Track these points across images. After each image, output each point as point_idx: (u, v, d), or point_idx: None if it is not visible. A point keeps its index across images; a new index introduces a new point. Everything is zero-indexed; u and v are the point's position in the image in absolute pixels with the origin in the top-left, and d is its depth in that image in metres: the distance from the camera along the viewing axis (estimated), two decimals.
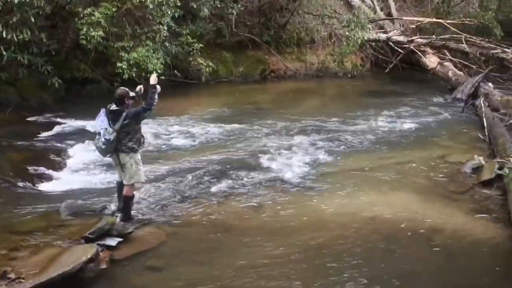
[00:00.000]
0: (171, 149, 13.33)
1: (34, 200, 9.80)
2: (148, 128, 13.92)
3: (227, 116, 16.94)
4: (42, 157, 12.07)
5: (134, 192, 9.08)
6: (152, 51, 17.00)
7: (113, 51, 17.06)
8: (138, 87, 8.93)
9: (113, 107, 8.52)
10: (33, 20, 14.85)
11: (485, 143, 13.91)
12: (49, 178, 11.03)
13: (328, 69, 25.32)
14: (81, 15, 15.97)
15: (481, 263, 8.06)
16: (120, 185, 8.98)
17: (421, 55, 24.19)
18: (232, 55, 23.43)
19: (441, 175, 11.57)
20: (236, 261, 7.88)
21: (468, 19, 26.36)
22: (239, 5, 22.53)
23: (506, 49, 21.25)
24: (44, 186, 10.67)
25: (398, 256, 8.19)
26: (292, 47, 25.46)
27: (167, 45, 18.44)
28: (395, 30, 26.70)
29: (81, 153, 12.45)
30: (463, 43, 22.39)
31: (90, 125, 13.56)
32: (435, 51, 24.52)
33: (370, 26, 24.95)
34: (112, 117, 8.48)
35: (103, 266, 7.61)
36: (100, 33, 15.76)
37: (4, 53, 14.90)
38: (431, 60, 23.72)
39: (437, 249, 8.45)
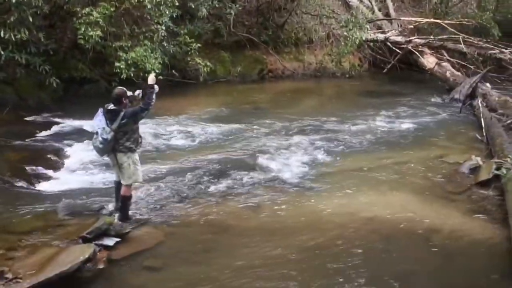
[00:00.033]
0: (169, 149, 13.32)
1: (31, 200, 9.79)
2: (146, 128, 13.91)
3: (225, 116, 16.95)
4: (40, 157, 12.05)
5: (132, 192, 9.08)
6: (150, 51, 16.98)
7: (111, 51, 17.04)
8: (137, 92, 8.91)
9: (111, 106, 8.52)
10: (31, 19, 14.83)
11: (482, 144, 13.93)
12: (47, 178, 11.01)
13: (326, 69, 25.36)
14: (79, 15, 15.93)
15: (478, 264, 8.06)
16: (118, 185, 8.97)
17: (419, 55, 24.23)
18: (230, 55, 23.45)
19: (439, 176, 11.58)
20: (234, 262, 7.88)
21: (466, 19, 26.47)
22: (237, 5, 22.55)
23: (503, 50, 21.31)
24: (41, 186, 10.65)
25: (396, 256, 8.19)
26: (290, 47, 25.50)
27: (165, 45, 18.44)
28: (393, 31, 26.76)
29: (79, 153, 12.44)
30: (461, 44, 22.45)
31: (88, 124, 13.54)
32: (433, 51, 24.55)
33: (368, 26, 25.01)
34: (110, 116, 8.48)
35: (101, 266, 7.61)
36: (98, 32, 15.73)
37: (2, 52, 14.87)
38: (429, 61, 23.76)
39: (435, 249, 8.45)
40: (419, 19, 27.72)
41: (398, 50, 25.20)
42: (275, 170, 11.71)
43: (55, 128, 14.51)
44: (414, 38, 24.98)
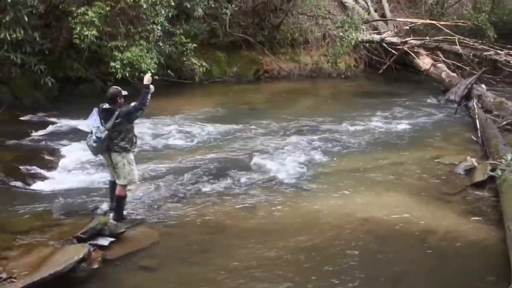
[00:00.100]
0: (165, 149, 13.31)
1: (26, 199, 9.75)
2: (141, 127, 13.90)
3: (221, 116, 16.94)
4: (35, 157, 12.03)
5: (127, 192, 9.07)
6: (145, 51, 16.97)
7: (107, 51, 17.03)
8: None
9: (106, 105, 8.51)
10: (26, 19, 14.81)
11: (478, 145, 13.94)
12: (41, 178, 10.98)
13: (322, 70, 25.39)
14: (75, 14, 15.91)
15: (473, 265, 8.07)
16: (113, 185, 8.96)
17: (414, 56, 24.29)
18: (226, 55, 23.46)
19: (434, 177, 11.59)
20: (229, 262, 7.86)
21: (461, 20, 26.52)
22: (233, 5, 22.54)
23: (499, 51, 21.35)
24: (36, 186, 10.61)
25: (392, 257, 8.18)
26: (286, 48, 25.51)
27: (161, 44, 18.42)
28: (389, 31, 26.80)
29: (74, 153, 12.40)
30: (456, 45, 22.49)
31: (83, 124, 13.48)
32: (428, 52, 24.63)
33: (364, 27, 25.06)
34: (104, 115, 8.48)
35: (95, 266, 7.58)
36: (94, 32, 15.72)
37: None
38: (424, 62, 23.82)
39: (430, 250, 8.45)
40: (415, 20, 27.77)
41: (393, 51, 25.25)
42: (271, 170, 11.69)
43: (50, 128, 14.48)
44: (410, 39, 25.01)
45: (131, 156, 8.77)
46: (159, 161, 12.14)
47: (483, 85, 19.63)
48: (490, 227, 9.19)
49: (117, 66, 16.23)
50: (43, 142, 13.22)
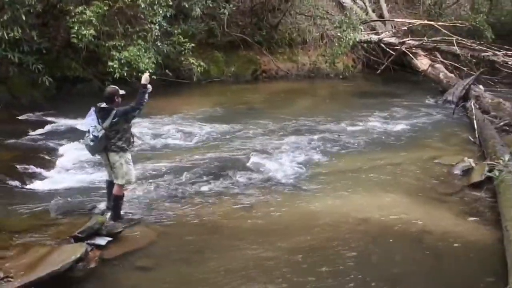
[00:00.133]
0: (162, 148, 13.30)
1: (23, 199, 9.75)
2: (139, 127, 13.92)
3: (219, 116, 16.94)
4: (32, 156, 12.02)
5: (125, 191, 9.06)
6: (143, 50, 16.96)
7: (105, 50, 17.02)
8: None
9: (103, 105, 8.50)
10: (24, 18, 14.82)
11: (475, 145, 13.95)
12: (39, 177, 10.97)
13: (320, 70, 25.39)
14: (73, 14, 15.91)
15: (471, 265, 8.07)
16: (110, 184, 8.96)
17: (412, 57, 24.29)
18: (224, 55, 23.46)
19: (431, 177, 11.60)
20: (226, 262, 7.85)
21: (459, 21, 26.57)
22: (231, 5, 22.52)
23: (497, 52, 21.33)
24: (34, 185, 10.60)
25: (389, 258, 8.17)
26: (284, 48, 25.51)
27: (159, 44, 18.41)
28: (387, 32, 26.82)
29: (71, 152, 12.40)
30: (454, 45, 22.47)
31: (80, 123, 13.45)
32: (426, 53, 24.61)
33: (361, 27, 25.09)
34: (102, 115, 8.47)
35: (93, 265, 7.57)
36: (92, 31, 15.72)
37: None
38: (422, 62, 23.81)
39: (428, 251, 8.45)
40: (412, 21, 27.78)
41: (391, 52, 25.26)
42: (269, 170, 11.69)
43: (47, 127, 14.48)
44: (408, 40, 25.02)
45: (128, 155, 8.76)
46: (157, 160, 12.13)
47: (481, 86, 19.62)
48: (487, 227, 9.19)
49: (115, 66, 16.23)
50: (41, 142, 13.21)
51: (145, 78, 8.59)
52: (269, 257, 8.05)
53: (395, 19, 28.50)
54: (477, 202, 10.30)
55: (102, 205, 9.22)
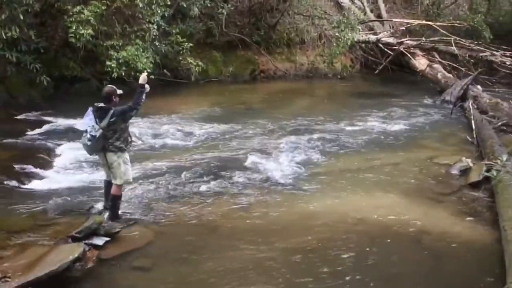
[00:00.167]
0: (160, 148, 13.29)
1: (21, 198, 9.74)
2: (137, 127, 13.93)
3: (217, 115, 16.94)
4: (30, 156, 12.00)
5: (123, 191, 9.06)
6: (141, 50, 16.96)
7: (103, 50, 17.02)
8: None
9: (101, 104, 8.50)
10: (21, 17, 14.80)
11: (473, 145, 13.95)
12: (36, 177, 10.94)
13: (318, 70, 25.42)
14: (70, 13, 15.90)
15: (468, 266, 8.07)
16: (108, 184, 8.95)
17: (410, 57, 24.30)
18: (222, 55, 23.48)
19: (429, 177, 11.60)
20: (223, 263, 7.84)
21: (457, 21, 26.57)
22: (229, 5, 22.56)
23: (495, 52, 21.34)
24: (31, 185, 10.58)
25: (386, 258, 8.17)
26: (282, 48, 25.54)
27: (157, 44, 18.41)
28: (385, 32, 26.85)
29: (69, 152, 12.38)
30: (452, 46, 22.48)
31: (78, 123, 13.45)
32: (424, 53, 24.64)
33: (360, 27, 25.08)
34: (99, 114, 8.47)
35: (90, 265, 7.56)
36: (90, 31, 15.71)
37: None
38: (420, 62, 23.83)
39: (425, 251, 8.45)
40: (411, 21, 27.80)
41: (389, 52, 25.27)
42: (267, 170, 11.68)
43: (45, 127, 14.47)
44: (406, 40, 25.03)
45: (126, 155, 8.76)
46: (155, 160, 12.12)
47: (478, 86, 19.66)
48: (485, 227, 9.19)
49: (112, 65, 16.22)
50: (39, 141, 13.19)
51: (143, 78, 8.58)
52: (268, 257, 8.04)
53: (393, 19, 28.53)
54: (475, 202, 10.30)
55: (100, 205, 9.21)
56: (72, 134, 13.24)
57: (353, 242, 8.58)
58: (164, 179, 10.89)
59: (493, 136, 13.52)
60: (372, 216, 9.49)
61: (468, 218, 9.59)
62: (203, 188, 10.58)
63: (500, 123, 15.31)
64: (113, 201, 8.83)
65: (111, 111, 8.42)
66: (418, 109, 18.46)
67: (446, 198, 10.54)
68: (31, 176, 10.92)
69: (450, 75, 21.91)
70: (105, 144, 8.53)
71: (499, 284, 7.08)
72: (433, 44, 24.00)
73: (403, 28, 27.24)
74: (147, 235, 8.59)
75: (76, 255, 7.35)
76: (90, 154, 9.08)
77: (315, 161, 12.59)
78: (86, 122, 8.56)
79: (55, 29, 17.82)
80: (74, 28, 15.64)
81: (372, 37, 26.29)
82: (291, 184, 11.05)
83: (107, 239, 8.17)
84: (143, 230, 8.71)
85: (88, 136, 8.43)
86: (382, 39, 25.75)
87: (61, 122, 14.82)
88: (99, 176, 10.27)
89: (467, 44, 22.61)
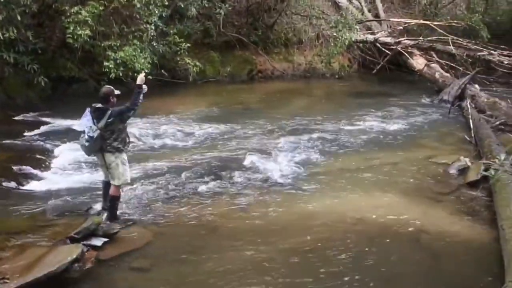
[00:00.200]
0: (159, 149, 13.27)
1: (19, 199, 9.72)
2: (136, 127, 13.92)
3: (215, 116, 16.93)
4: (28, 157, 11.97)
5: (121, 192, 9.05)
6: (139, 51, 16.95)
7: (100, 50, 17.00)
8: None
9: (98, 105, 8.49)
10: (19, 18, 14.77)
11: (471, 145, 13.98)
12: (35, 178, 10.93)
13: (316, 70, 25.44)
14: (68, 14, 15.88)
15: (467, 265, 8.07)
16: (106, 185, 8.94)
17: (408, 56, 24.34)
18: (220, 55, 23.48)
19: (427, 176, 11.61)
20: (223, 263, 7.84)
21: (455, 21, 26.60)
22: (227, 5, 22.55)
23: (492, 51, 21.37)
24: (29, 186, 10.57)
25: (386, 258, 8.17)
26: (280, 48, 25.55)
27: (155, 44, 18.40)
28: (383, 32, 26.85)
29: (67, 153, 12.36)
30: (450, 45, 22.51)
31: (76, 124, 13.45)
32: (422, 52, 24.69)
33: (357, 27, 25.09)
34: (97, 115, 8.46)
35: (89, 266, 7.55)
36: (87, 32, 15.69)
37: None
38: (418, 62, 23.87)
39: (424, 250, 8.46)
40: (408, 20, 27.83)
41: (387, 51, 25.30)
42: (266, 170, 11.68)
43: (43, 128, 14.43)
44: (404, 39, 25.04)
45: (124, 156, 8.75)
46: (154, 160, 12.11)
47: (476, 85, 19.70)
48: (483, 226, 9.21)
49: (110, 66, 16.20)
50: (36, 142, 13.17)
51: (140, 78, 8.57)
52: (267, 258, 8.03)
53: (391, 19, 28.54)
54: (473, 201, 10.32)
55: (99, 206, 9.20)
56: (70, 135, 13.22)
57: (352, 242, 8.58)
58: (163, 179, 10.88)
59: (491, 135, 13.54)
60: (371, 216, 9.49)
61: (467, 217, 9.60)
62: (202, 188, 10.58)
63: (498, 122, 15.33)
64: (111, 202, 8.82)
65: (109, 112, 8.42)
66: (416, 109, 18.48)
67: (444, 197, 10.55)
68: (29, 177, 10.90)
69: (448, 75, 21.96)
70: (103, 145, 8.52)
71: (498, 283, 7.08)
72: (431, 44, 24.05)
73: (401, 27, 27.27)
74: (145, 235, 8.58)
75: (74, 256, 7.34)
76: (88, 155, 9.07)
77: (314, 160, 12.59)
78: (84, 123, 8.55)
79: (53, 30, 17.80)
80: (71, 28, 15.62)
81: (370, 37, 26.31)
82: (290, 184, 11.05)
83: (106, 240, 8.16)
84: (141, 231, 8.71)
85: (86, 137, 8.43)
86: (380, 38, 25.77)
87: (59, 123, 14.80)
88: (98, 177, 10.25)
89: (465, 44, 22.64)
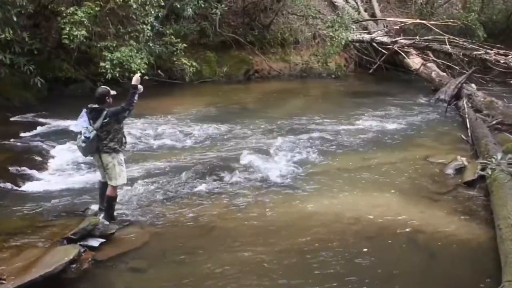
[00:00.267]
0: (155, 149, 13.26)
1: (16, 200, 9.72)
2: (132, 128, 13.91)
3: (212, 116, 16.92)
4: (25, 157, 11.97)
5: (118, 192, 9.04)
6: (135, 51, 16.95)
7: (96, 51, 17.02)
8: None
9: (94, 105, 8.49)
10: (15, 19, 14.75)
11: (468, 144, 13.98)
12: (31, 179, 10.93)
13: (312, 70, 25.46)
14: (64, 14, 15.89)
15: (464, 264, 8.08)
16: (103, 185, 8.93)
17: (404, 56, 24.34)
18: (216, 55, 23.50)
19: (425, 176, 11.61)
20: (220, 263, 7.83)
21: (451, 20, 26.68)
22: (223, 5, 22.54)
23: (489, 50, 21.43)
24: (26, 187, 10.56)
25: (381, 257, 8.17)
26: (276, 48, 25.58)
27: (151, 44, 18.40)
28: (379, 31, 26.87)
29: (63, 153, 12.37)
30: (446, 44, 22.57)
31: (73, 125, 13.40)
32: (418, 52, 24.70)
33: (354, 26, 25.13)
34: (93, 115, 8.46)
35: (86, 267, 7.55)
36: (83, 32, 15.69)
37: None
38: (414, 61, 23.88)
39: (420, 250, 8.47)
40: (404, 20, 27.89)
41: (384, 51, 25.33)
42: (264, 170, 11.67)
43: (40, 129, 14.43)
44: (400, 39, 25.09)
45: (121, 156, 8.75)
46: (150, 161, 12.10)
47: (473, 85, 19.71)
48: (480, 226, 9.21)
49: (106, 66, 16.21)
50: (33, 143, 13.15)
51: (135, 78, 8.57)
52: (265, 258, 8.02)
53: (387, 18, 28.58)
54: (470, 201, 10.32)
55: (95, 207, 9.18)
56: (66, 136, 13.19)
57: (350, 242, 8.58)
58: (161, 179, 10.87)
59: (487, 134, 13.54)
60: (369, 215, 9.49)
61: (464, 217, 9.60)
62: (200, 188, 10.57)
63: (494, 122, 15.33)
64: (108, 202, 8.81)
65: (105, 112, 8.42)
66: (413, 108, 18.49)
67: (441, 197, 10.55)
68: (26, 178, 10.90)
69: (444, 74, 21.97)
70: (100, 146, 8.52)
71: (495, 283, 7.09)
72: (427, 43, 24.11)
73: (397, 27, 27.33)
74: (143, 236, 8.58)
75: (71, 257, 7.34)
76: (85, 156, 9.05)
77: (312, 160, 12.59)
78: (80, 124, 8.55)
79: (49, 30, 17.82)
80: (67, 29, 15.63)
81: (366, 37, 26.34)
82: (288, 184, 11.05)
83: (103, 240, 8.16)
84: (139, 231, 8.70)
85: (83, 137, 8.42)
86: (376, 38, 25.80)
87: (56, 124, 14.79)
88: (94, 177, 10.25)
89: (461, 43, 22.71)
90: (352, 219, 9.34)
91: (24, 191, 10.39)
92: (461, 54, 22.20)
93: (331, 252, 8.24)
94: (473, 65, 21.93)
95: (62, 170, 11.53)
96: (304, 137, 14.36)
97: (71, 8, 15.85)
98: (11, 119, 15.17)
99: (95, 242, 8.06)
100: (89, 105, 8.55)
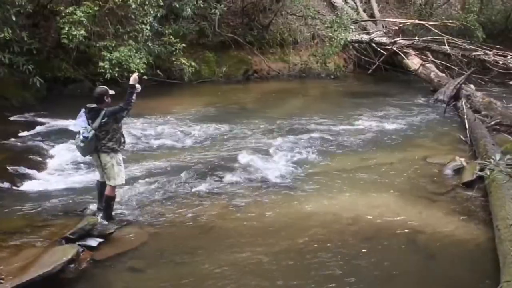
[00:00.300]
0: (154, 149, 13.25)
1: (14, 200, 9.71)
2: (131, 127, 13.90)
3: (211, 116, 16.91)
4: (23, 157, 11.95)
5: (116, 192, 9.04)
6: (134, 51, 16.93)
7: (95, 51, 17.00)
8: None
9: (92, 105, 8.49)
10: (14, 18, 14.72)
11: (466, 145, 13.99)
12: (30, 178, 10.91)
13: (311, 70, 25.46)
14: (63, 14, 15.87)
15: (462, 265, 8.08)
16: (102, 185, 8.93)
17: (403, 56, 24.34)
18: (215, 55, 23.49)
19: (423, 177, 11.62)
20: (218, 263, 7.83)
21: (450, 21, 26.65)
22: (222, 5, 22.53)
23: (487, 51, 21.41)
24: (25, 186, 10.56)
25: (380, 258, 8.17)
26: (275, 48, 25.56)
27: (150, 44, 18.38)
28: (378, 32, 26.86)
29: (62, 153, 12.35)
30: (445, 45, 22.56)
31: (71, 124, 13.41)
32: (417, 52, 24.69)
33: (353, 27, 25.14)
34: (91, 115, 8.47)
35: (84, 266, 7.55)
36: (82, 32, 15.67)
37: None
38: (413, 62, 23.87)
39: (419, 250, 8.47)
40: (403, 21, 27.87)
41: (383, 51, 25.32)
42: (263, 170, 11.68)
43: (39, 128, 14.42)
44: (399, 39, 25.08)
45: (119, 156, 8.75)
46: (149, 161, 12.09)
47: (471, 85, 19.74)
48: (478, 226, 9.22)
49: (105, 66, 16.19)
50: (32, 143, 13.14)
51: (133, 78, 8.56)
52: (264, 259, 8.02)
53: (386, 19, 28.58)
54: (469, 201, 10.33)
55: (94, 206, 9.18)
56: (65, 136, 13.19)
57: (349, 243, 8.58)
58: (160, 179, 10.86)
59: (486, 135, 13.55)
60: (368, 216, 9.50)
61: (462, 218, 9.61)
62: (199, 188, 10.57)
63: (493, 122, 15.33)
64: (106, 202, 8.81)
65: (103, 112, 8.42)
66: (412, 109, 18.50)
67: (440, 197, 10.56)
68: (25, 178, 10.89)
69: (443, 75, 21.97)
70: (98, 145, 8.52)
71: (493, 284, 7.09)
72: (426, 44, 24.09)
73: (396, 27, 27.31)
74: (141, 236, 8.57)
75: (70, 257, 7.34)
76: (84, 156, 9.05)
77: (311, 160, 12.59)
78: (79, 124, 8.55)
79: (48, 30, 17.80)
80: (66, 29, 15.61)
81: (365, 37, 26.33)
82: (287, 184, 11.05)
83: (101, 240, 8.16)
84: (137, 231, 8.70)
85: (81, 137, 8.41)
86: (375, 38, 25.78)
87: (54, 124, 14.78)
88: (93, 177, 10.23)
89: (460, 44, 22.70)
90: (351, 220, 9.35)
91: (23, 190, 10.39)
92: (460, 54, 22.20)
93: (330, 252, 8.24)
94: (472, 65, 21.92)
95: (61, 170, 11.52)
96: (303, 137, 14.37)
97: (70, 8, 15.83)
98: (10, 118, 15.16)
99: (93, 242, 8.06)
100: (87, 105, 8.55)
